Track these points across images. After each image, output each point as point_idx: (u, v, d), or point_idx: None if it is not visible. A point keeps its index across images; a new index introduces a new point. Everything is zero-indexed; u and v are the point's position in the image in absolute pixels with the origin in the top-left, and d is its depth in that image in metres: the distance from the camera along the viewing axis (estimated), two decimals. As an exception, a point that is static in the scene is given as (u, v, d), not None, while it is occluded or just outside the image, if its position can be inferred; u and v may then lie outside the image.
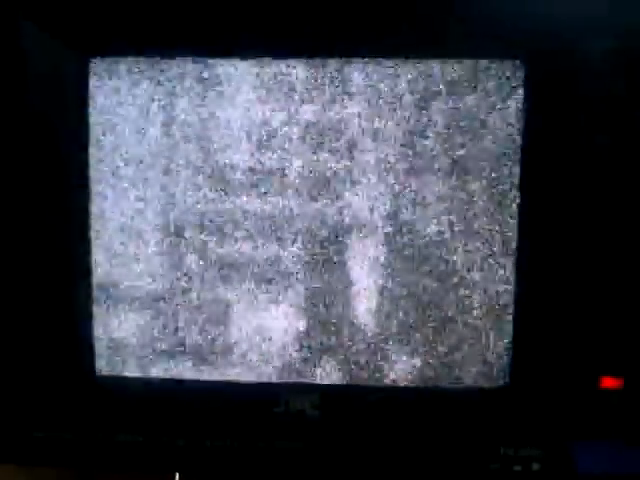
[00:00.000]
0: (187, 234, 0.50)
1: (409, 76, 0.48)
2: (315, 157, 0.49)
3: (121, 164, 0.49)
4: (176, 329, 0.50)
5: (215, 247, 0.49)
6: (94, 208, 0.49)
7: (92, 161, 0.49)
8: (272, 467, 0.50)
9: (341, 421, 0.49)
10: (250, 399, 0.50)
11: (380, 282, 0.49)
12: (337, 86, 0.48)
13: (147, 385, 0.50)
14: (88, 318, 0.49)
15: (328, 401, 0.49)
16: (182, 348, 0.50)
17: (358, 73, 0.48)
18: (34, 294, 0.49)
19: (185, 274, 0.50)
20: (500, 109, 0.48)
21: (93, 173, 0.49)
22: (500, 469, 0.49)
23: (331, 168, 0.49)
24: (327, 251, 0.49)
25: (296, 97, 0.48)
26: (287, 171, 0.49)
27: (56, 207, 0.49)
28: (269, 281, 0.49)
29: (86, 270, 0.49)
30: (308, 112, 0.48)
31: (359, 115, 0.48)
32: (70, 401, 0.50)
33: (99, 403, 0.50)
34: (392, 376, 0.50)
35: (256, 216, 0.49)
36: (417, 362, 0.50)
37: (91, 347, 0.50)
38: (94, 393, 0.50)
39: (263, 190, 0.49)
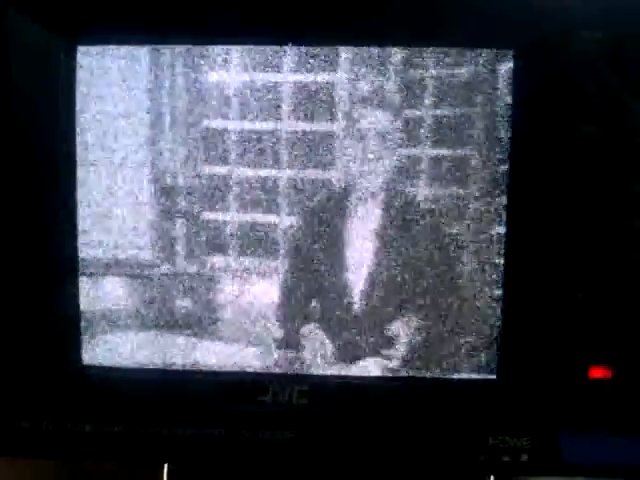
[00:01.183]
0: (175, 202, 0.50)
1: (398, 64, 0.48)
2: (307, 124, 0.49)
3: (109, 142, 0.50)
4: (163, 300, 0.51)
5: (204, 215, 0.50)
6: (80, 188, 0.50)
7: (79, 142, 0.49)
8: (261, 456, 0.50)
9: (329, 411, 0.49)
10: (238, 388, 0.49)
11: (370, 260, 0.50)
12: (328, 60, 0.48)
13: (134, 374, 0.50)
14: (74, 305, 0.50)
15: (316, 390, 0.49)
16: (168, 319, 0.51)
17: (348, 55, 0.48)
18: (18, 281, 0.48)
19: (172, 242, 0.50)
20: (489, 99, 0.47)
21: (80, 152, 0.49)
22: (489, 460, 0.49)
23: (322, 135, 0.49)
24: (319, 220, 0.49)
25: (286, 63, 0.48)
26: (278, 139, 0.49)
27: (44, 191, 0.49)
28: (258, 250, 0.50)
29: (72, 250, 0.49)
30: (299, 77, 0.48)
31: (351, 83, 0.48)
32: (56, 391, 0.50)
33: (86, 393, 0.50)
34: (380, 359, 0.50)
35: (247, 184, 0.49)
36: (404, 350, 0.50)
37: (77, 337, 0.50)
38: (80, 383, 0.50)
39: (254, 157, 0.49)
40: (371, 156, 0.49)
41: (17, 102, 0.47)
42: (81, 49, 0.48)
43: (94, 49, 0.48)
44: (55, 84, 0.48)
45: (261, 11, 0.46)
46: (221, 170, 0.50)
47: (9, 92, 0.47)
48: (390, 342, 0.50)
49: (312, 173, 0.49)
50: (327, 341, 0.50)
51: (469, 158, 0.48)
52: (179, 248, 0.50)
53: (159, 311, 0.51)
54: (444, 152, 0.48)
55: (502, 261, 0.48)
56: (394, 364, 0.50)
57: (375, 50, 0.48)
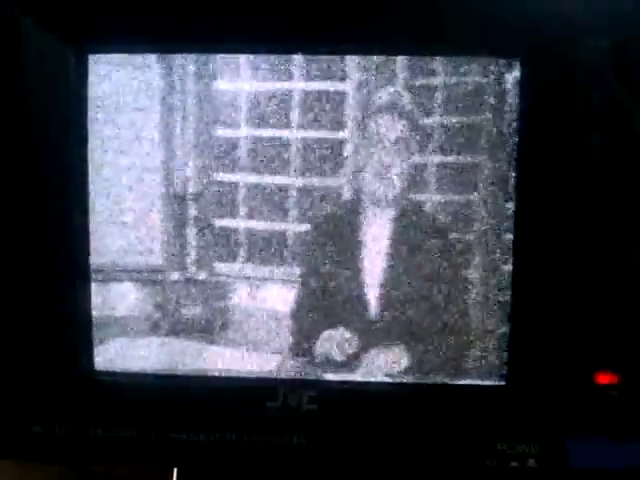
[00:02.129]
0: (187, 209, 0.50)
1: (407, 72, 0.48)
2: (316, 132, 0.49)
3: (121, 149, 0.50)
4: (174, 306, 0.51)
5: (215, 222, 0.50)
6: (92, 194, 0.50)
7: (91, 150, 0.49)
8: (270, 461, 0.50)
9: (338, 416, 0.49)
10: (248, 393, 0.50)
11: (381, 267, 0.50)
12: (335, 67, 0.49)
13: (145, 380, 0.51)
14: (86, 310, 0.50)
15: (326, 396, 0.50)
16: (179, 325, 0.51)
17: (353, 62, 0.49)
18: (30, 285, 0.49)
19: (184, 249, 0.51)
20: (497, 107, 0.48)
21: (92, 160, 0.49)
22: (496, 465, 0.49)
23: (333, 143, 0.49)
24: (330, 228, 0.50)
25: (295, 72, 0.49)
26: (288, 146, 0.49)
27: (56, 198, 0.49)
28: (269, 258, 0.50)
29: (84, 256, 0.50)
30: (308, 84, 0.49)
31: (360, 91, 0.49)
32: (68, 396, 0.50)
33: (97, 398, 0.50)
34: (389, 364, 0.50)
35: (258, 191, 0.50)
36: (414, 356, 0.50)
37: (89, 342, 0.50)
38: (92, 388, 0.50)
39: (264, 165, 0.49)
40: (380, 164, 0.49)
41: (29, 110, 0.47)
42: (92, 57, 0.49)
43: (105, 57, 0.49)
44: (67, 92, 0.48)
45: (270, 20, 0.47)
46: (232, 177, 0.50)
47: (21, 100, 0.47)
48: (400, 348, 0.50)
49: (323, 181, 0.49)
50: (336, 347, 0.50)
51: (477, 165, 0.49)
52: (190, 254, 0.51)
53: (170, 317, 0.51)
54: (452, 160, 0.49)
55: (510, 267, 0.48)
56: (403, 370, 0.50)
57: (383, 59, 0.48)
